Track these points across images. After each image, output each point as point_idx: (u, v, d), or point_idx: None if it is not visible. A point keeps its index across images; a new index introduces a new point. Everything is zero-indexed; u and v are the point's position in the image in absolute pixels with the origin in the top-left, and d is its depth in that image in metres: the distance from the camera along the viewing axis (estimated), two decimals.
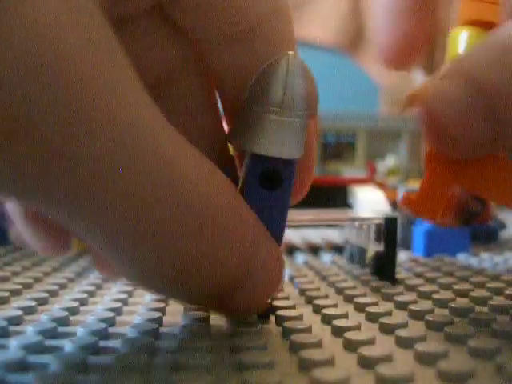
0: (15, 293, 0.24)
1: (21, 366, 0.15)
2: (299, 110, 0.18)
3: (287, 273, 0.29)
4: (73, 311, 0.21)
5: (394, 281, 0.27)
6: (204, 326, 0.18)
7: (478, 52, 0.18)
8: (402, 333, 0.18)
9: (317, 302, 0.22)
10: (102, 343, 0.18)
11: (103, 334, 0.18)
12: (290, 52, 0.18)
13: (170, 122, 0.15)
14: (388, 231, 0.27)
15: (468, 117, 0.18)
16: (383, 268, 0.27)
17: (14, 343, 0.17)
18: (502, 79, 0.17)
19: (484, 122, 0.18)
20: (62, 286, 0.26)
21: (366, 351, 0.16)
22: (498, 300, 0.22)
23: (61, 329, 0.19)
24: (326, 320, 0.20)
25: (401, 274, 0.28)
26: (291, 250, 0.37)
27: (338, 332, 0.18)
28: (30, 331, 0.18)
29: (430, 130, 0.19)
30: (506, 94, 0.17)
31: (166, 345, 0.17)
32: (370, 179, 0.49)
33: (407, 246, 0.37)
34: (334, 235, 0.40)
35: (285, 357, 0.17)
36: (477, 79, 0.18)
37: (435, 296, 0.23)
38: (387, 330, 0.19)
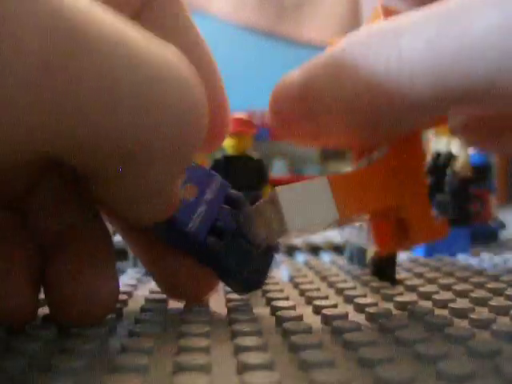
0: None
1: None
2: None
3: (287, 273, 0.29)
4: None
5: (394, 281, 0.27)
6: (203, 326, 0.18)
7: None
8: (401, 333, 0.18)
9: (317, 302, 0.22)
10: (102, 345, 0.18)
11: (103, 338, 0.18)
12: None
13: None
14: None
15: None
16: (383, 268, 0.27)
17: None
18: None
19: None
20: None
21: (365, 352, 0.16)
22: (498, 301, 0.22)
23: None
24: (326, 321, 0.20)
25: (401, 274, 0.28)
26: (291, 250, 0.37)
27: (337, 333, 0.18)
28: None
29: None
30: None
31: (166, 346, 0.17)
32: None
33: None
34: (334, 235, 0.40)
35: (285, 357, 0.17)
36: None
37: (435, 296, 0.23)
38: (387, 330, 0.19)
